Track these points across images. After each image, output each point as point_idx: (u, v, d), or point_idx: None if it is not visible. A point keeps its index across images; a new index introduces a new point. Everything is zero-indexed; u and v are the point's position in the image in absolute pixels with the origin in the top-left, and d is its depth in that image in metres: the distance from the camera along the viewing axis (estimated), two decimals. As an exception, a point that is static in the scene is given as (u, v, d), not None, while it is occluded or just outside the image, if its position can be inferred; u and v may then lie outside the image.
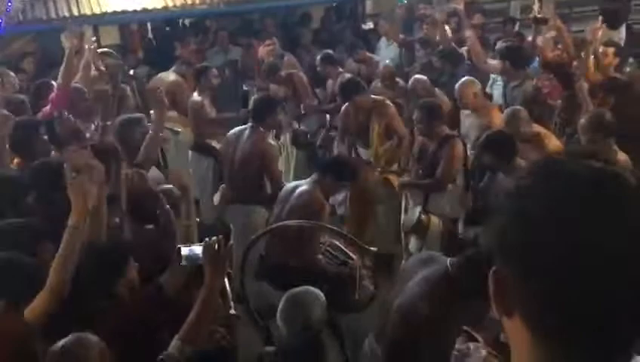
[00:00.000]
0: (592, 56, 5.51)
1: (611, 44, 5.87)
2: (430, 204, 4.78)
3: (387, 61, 7.00)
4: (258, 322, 3.77)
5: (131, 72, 6.63)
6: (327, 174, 4.20)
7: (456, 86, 5.39)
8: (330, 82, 6.72)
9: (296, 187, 4.32)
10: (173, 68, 6.71)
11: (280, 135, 6.40)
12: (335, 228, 4.32)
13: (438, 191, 4.80)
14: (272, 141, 5.24)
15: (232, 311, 3.20)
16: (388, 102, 5.60)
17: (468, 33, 6.25)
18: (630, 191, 0.79)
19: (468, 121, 5.41)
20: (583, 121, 4.42)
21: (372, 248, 3.95)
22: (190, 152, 6.01)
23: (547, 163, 0.86)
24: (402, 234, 4.94)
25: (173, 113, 6.07)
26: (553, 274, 0.78)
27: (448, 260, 2.86)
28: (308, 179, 4.31)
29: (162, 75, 6.70)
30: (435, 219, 4.66)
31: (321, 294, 3.07)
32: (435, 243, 4.54)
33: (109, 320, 2.60)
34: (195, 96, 5.99)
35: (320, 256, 4.04)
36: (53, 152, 4.16)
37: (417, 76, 6.09)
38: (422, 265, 2.96)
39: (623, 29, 8.89)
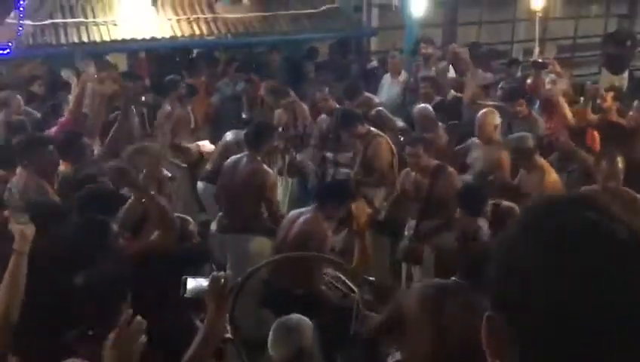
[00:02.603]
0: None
1: (611, 89, 5.98)
2: (422, 231, 4.80)
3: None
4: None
5: (142, 98, 6.70)
6: (327, 200, 4.21)
7: (478, 115, 5.43)
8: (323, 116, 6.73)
9: (299, 215, 4.33)
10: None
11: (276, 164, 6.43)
12: (335, 258, 4.30)
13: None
14: (269, 169, 5.23)
15: (228, 335, 3.18)
16: (380, 137, 5.61)
17: (468, 75, 6.39)
18: (619, 241, 0.80)
19: (477, 152, 5.42)
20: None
21: (371, 278, 3.93)
22: (200, 184, 5.91)
23: (537, 213, 0.87)
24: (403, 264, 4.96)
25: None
26: (545, 324, 0.79)
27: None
28: (310, 207, 4.32)
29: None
30: (427, 249, 4.67)
31: (310, 322, 3.05)
32: (430, 271, 4.55)
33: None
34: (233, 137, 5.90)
35: (323, 287, 4.03)
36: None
37: (421, 106, 6.14)
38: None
39: (625, 75, 9.02)
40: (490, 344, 0.86)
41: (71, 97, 5.90)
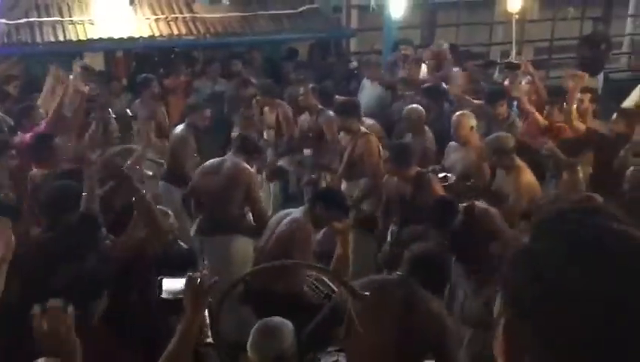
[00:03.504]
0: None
1: (587, 91, 5.99)
2: (403, 237, 4.80)
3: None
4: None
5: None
6: (317, 203, 4.19)
7: (454, 117, 5.42)
8: (304, 116, 6.72)
9: (287, 215, 4.32)
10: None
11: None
12: (318, 265, 4.27)
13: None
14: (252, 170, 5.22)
15: (209, 340, 3.15)
16: (369, 135, 5.59)
17: (454, 70, 6.41)
18: (634, 247, 0.81)
19: (455, 154, 5.43)
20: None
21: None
22: (161, 183, 5.81)
23: (555, 222, 0.88)
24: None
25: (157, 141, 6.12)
26: (568, 331, 0.80)
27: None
28: (299, 208, 4.30)
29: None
30: (407, 255, 4.67)
31: (291, 324, 3.04)
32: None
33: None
34: (180, 129, 5.94)
35: (305, 288, 4.02)
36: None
37: (414, 105, 6.04)
38: None
39: (600, 77, 9.14)
40: (507, 348, 0.86)
41: (41, 99, 5.88)
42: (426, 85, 6.80)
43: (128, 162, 4.23)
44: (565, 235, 0.84)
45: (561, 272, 0.81)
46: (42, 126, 5.24)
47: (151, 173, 5.55)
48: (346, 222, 3.91)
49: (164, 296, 2.54)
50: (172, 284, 2.52)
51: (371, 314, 2.93)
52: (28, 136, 5.14)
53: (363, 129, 5.64)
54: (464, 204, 4.33)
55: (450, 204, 4.24)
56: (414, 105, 6.03)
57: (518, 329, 0.84)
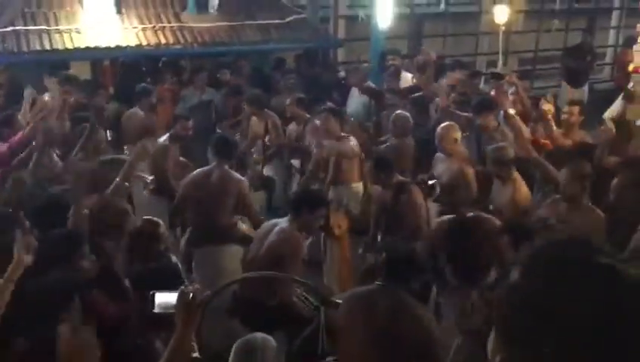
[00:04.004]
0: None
1: (575, 103, 6.02)
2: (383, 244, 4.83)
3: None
4: None
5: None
6: (301, 209, 4.18)
7: (438, 129, 5.47)
8: (292, 126, 6.77)
9: (274, 225, 4.30)
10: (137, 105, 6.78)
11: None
12: (304, 280, 4.26)
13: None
14: (241, 177, 5.20)
15: (195, 354, 3.13)
16: (349, 142, 5.68)
17: (442, 82, 6.47)
18: (625, 284, 0.85)
19: (442, 165, 5.47)
20: (564, 172, 4.41)
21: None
22: (146, 194, 5.68)
23: (541, 257, 0.92)
24: None
25: None
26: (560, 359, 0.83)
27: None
28: (285, 218, 4.29)
29: (136, 110, 6.77)
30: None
31: (273, 341, 3.01)
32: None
33: None
34: (163, 139, 5.91)
35: (295, 299, 4.01)
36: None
37: (399, 111, 6.20)
38: None
39: (586, 88, 9.25)
40: None
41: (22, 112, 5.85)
42: (413, 95, 6.85)
43: (117, 179, 4.20)
44: (553, 270, 0.88)
45: (550, 305, 0.84)
46: (18, 136, 5.18)
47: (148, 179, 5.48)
48: (342, 227, 3.90)
49: (156, 310, 2.48)
50: (164, 299, 2.47)
51: (358, 325, 2.94)
52: (5, 146, 5.12)
53: (343, 134, 5.72)
54: (450, 217, 4.38)
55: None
56: (400, 111, 6.19)
57: None
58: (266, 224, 4.49)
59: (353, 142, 5.77)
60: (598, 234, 4.00)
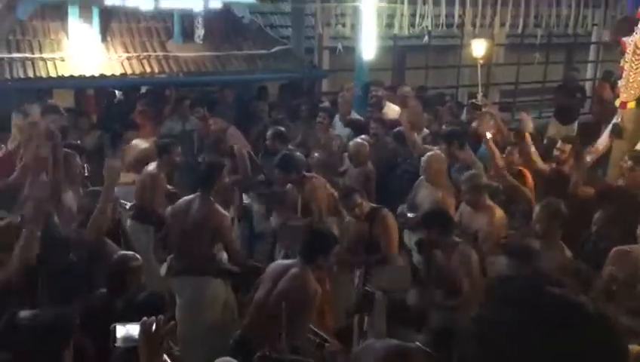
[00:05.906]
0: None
1: (569, 140, 5.94)
2: (372, 279, 4.82)
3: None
4: None
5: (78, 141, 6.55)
6: (316, 254, 4.07)
7: (425, 156, 5.60)
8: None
9: (286, 267, 4.14)
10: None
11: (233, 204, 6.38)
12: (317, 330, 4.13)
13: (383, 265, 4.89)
14: (224, 211, 5.15)
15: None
16: (315, 178, 5.65)
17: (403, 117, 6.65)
18: (588, 321, 0.89)
19: (424, 191, 5.58)
20: (538, 210, 4.54)
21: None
22: (129, 221, 5.66)
23: (506, 292, 0.95)
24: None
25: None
26: None
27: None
28: (296, 260, 4.15)
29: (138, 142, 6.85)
30: (378, 294, 4.67)
31: None
32: (381, 319, 4.54)
33: None
34: (152, 167, 5.85)
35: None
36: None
37: (358, 140, 6.34)
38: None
39: (574, 126, 9.37)
40: None
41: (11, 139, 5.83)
42: (395, 129, 6.92)
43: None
44: (510, 303, 0.91)
45: (505, 337, 0.87)
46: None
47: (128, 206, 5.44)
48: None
49: (118, 344, 2.39)
50: (126, 332, 2.37)
51: None
52: None
53: (307, 174, 5.69)
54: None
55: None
56: (358, 140, 6.35)
57: None
58: (276, 265, 4.35)
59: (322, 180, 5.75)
60: (566, 274, 4.05)
